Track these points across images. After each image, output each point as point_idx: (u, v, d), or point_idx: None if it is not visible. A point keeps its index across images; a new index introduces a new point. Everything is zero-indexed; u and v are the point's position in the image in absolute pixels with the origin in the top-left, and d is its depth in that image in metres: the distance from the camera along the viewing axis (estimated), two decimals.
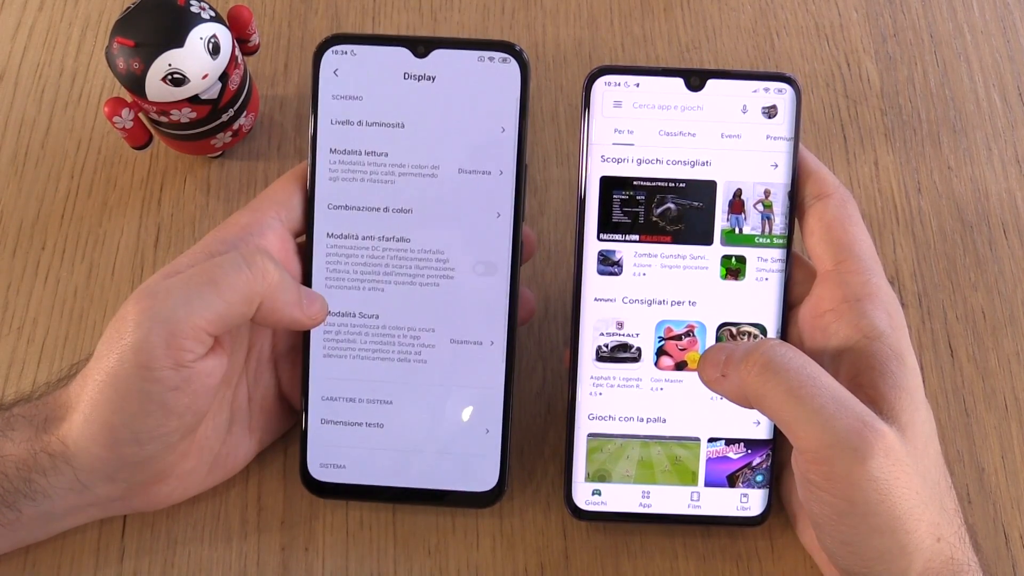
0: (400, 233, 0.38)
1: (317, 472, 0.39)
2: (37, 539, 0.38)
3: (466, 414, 0.38)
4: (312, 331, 0.38)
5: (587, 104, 0.38)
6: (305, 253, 0.39)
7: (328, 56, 0.38)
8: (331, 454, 0.39)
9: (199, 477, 0.38)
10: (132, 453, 0.34)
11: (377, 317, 0.39)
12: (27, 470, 0.34)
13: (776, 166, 0.38)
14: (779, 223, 0.38)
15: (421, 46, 0.38)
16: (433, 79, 0.38)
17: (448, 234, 0.38)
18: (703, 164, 0.38)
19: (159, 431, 0.34)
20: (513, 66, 0.38)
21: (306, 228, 0.39)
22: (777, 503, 0.39)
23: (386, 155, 0.38)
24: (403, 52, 0.38)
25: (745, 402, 0.34)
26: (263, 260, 0.34)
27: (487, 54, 0.38)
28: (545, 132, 0.48)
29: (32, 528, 0.36)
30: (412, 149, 0.38)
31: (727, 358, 0.34)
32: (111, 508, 0.37)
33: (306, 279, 0.39)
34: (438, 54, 0.38)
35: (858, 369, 0.35)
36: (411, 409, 0.39)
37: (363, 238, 0.38)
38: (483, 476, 0.38)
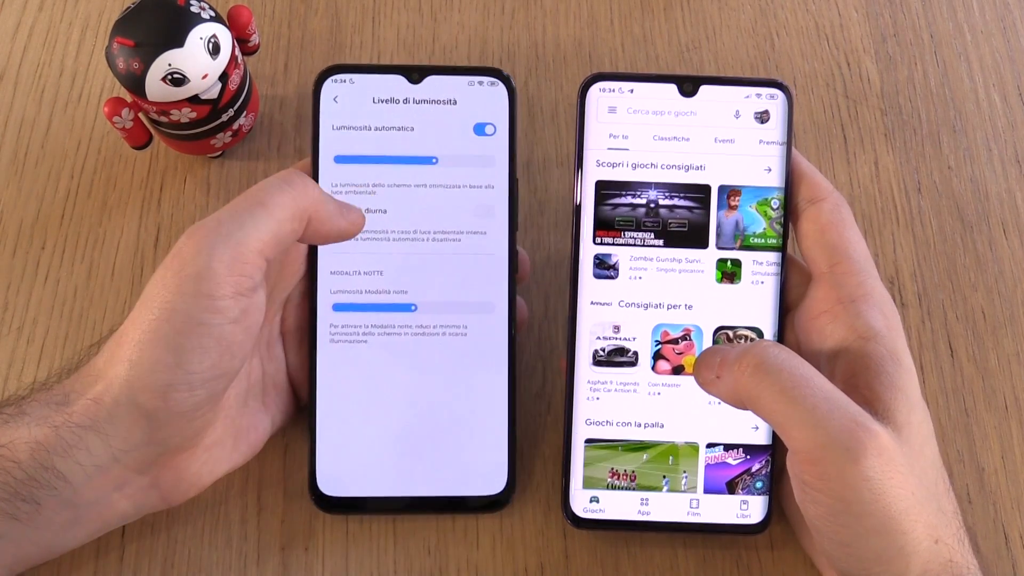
0: (400, 227, 0.40)
1: (328, 487, 0.39)
2: (64, 545, 0.35)
3: (470, 417, 0.39)
4: (318, 334, 0.39)
5: (582, 110, 0.38)
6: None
7: (328, 84, 0.40)
8: (340, 468, 0.39)
9: (225, 452, 0.37)
10: (182, 399, 0.33)
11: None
12: (46, 452, 0.33)
13: (769, 170, 0.38)
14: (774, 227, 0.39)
15: (416, 73, 0.40)
16: (428, 102, 0.40)
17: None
18: (697, 168, 0.38)
19: (212, 371, 0.33)
20: (501, 89, 0.40)
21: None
22: (778, 509, 0.39)
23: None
24: (399, 79, 0.40)
25: (739, 404, 0.34)
26: (301, 177, 0.35)
27: (476, 79, 0.40)
28: (545, 132, 0.48)
29: (55, 528, 0.34)
30: (408, 152, 0.40)
31: (721, 360, 0.34)
32: (139, 497, 0.36)
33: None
34: (432, 80, 0.40)
35: (854, 370, 0.35)
36: (415, 415, 0.39)
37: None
38: (492, 480, 0.39)
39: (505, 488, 0.39)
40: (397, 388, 0.39)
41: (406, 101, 0.40)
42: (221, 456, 0.37)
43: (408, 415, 0.39)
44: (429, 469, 0.39)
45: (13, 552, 0.34)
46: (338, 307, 0.39)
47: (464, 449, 0.39)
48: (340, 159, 0.40)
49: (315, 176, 0.40)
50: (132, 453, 0.34)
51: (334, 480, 0.39)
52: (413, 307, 0.40)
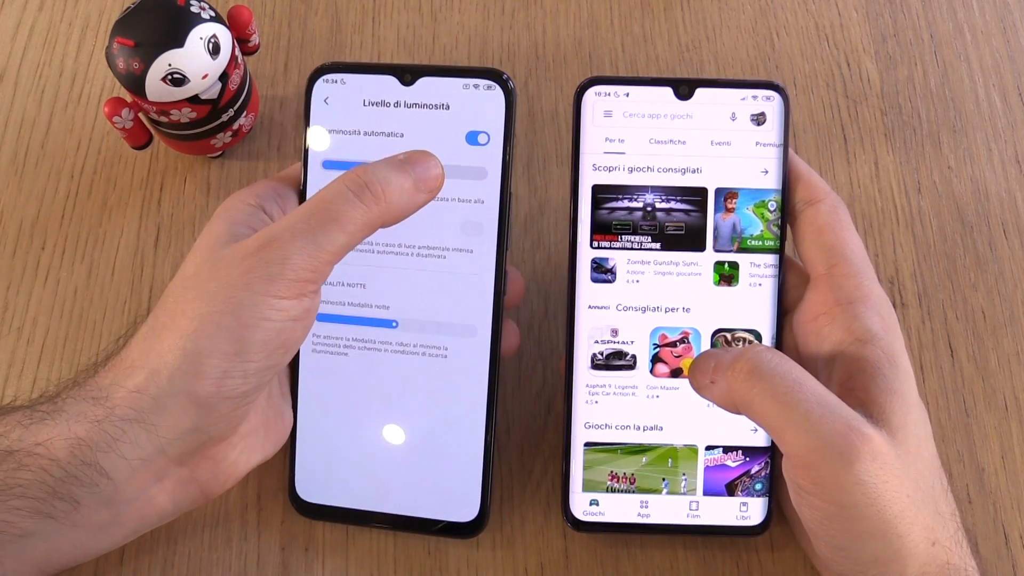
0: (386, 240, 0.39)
1: (304, 493, 0.39)
2: (100, 546, 0.35)
3: (445, 441, 0.38)
4: (302, 351, 0.39)
5: (578, 115, 0.38)
6: None
7: (319, 85, 0.39)
8: (317, 474, 0.39)
9: (258, 441, 0.37)
10: (235, 386, 0.33)
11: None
12: (87, 448, 0.32)
13: (766, 172, 0.38)
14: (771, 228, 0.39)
15: (408, 74, 0.38)
16: (419, 106, 0.38)
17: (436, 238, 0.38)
18: (694, 171, 0.38)
19: (266, 362, 0.34)
20: (498, 93, 0.38)
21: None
22: (777, 511, 0.39)
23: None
24: (391, 80, 0.38)
25: (733, 408, 0.34)
26: (369, 186, 0.34)
27: (472, 81, 0.38)
28: (545, 132, 0.48)
29: (93, 528, 0.34)
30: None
31: (716, 364, 0.34)
32: (178, 491, 0.35)
33: None
34: (424, 82, 0.38)
35: (850, 372, 0.35)
36: (391, 433, 0.39)
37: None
38: (464, 507, 0.38)
39: (477, 516, 0.38)
40: (375, 404, 0.39)
41: (397, 104, 0.38)
42: (255, 445, 0.37)
43: (384, 432, 0.39)
44: (402, 488, 0.38)
45: (46, 550, 0.33)
46: (321, 317, 0.39)
47: (438, 473, 0.38)
48: (328, 164, 0.39)
49: (304, 182, 0.39)
50: (177, 442, 0.34)
51: (311, 486, 0.39)
52: (394, 323, 0.38)
